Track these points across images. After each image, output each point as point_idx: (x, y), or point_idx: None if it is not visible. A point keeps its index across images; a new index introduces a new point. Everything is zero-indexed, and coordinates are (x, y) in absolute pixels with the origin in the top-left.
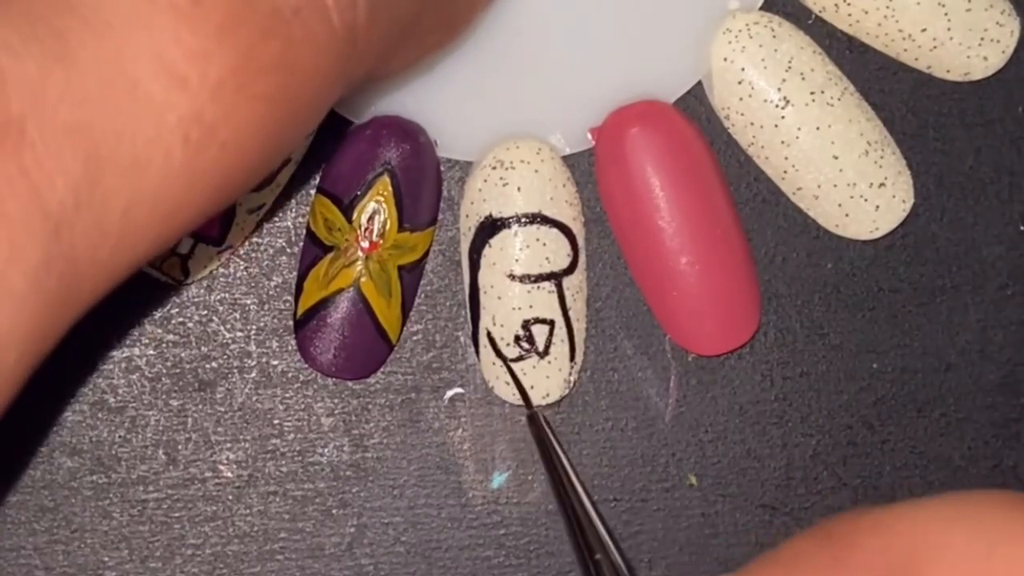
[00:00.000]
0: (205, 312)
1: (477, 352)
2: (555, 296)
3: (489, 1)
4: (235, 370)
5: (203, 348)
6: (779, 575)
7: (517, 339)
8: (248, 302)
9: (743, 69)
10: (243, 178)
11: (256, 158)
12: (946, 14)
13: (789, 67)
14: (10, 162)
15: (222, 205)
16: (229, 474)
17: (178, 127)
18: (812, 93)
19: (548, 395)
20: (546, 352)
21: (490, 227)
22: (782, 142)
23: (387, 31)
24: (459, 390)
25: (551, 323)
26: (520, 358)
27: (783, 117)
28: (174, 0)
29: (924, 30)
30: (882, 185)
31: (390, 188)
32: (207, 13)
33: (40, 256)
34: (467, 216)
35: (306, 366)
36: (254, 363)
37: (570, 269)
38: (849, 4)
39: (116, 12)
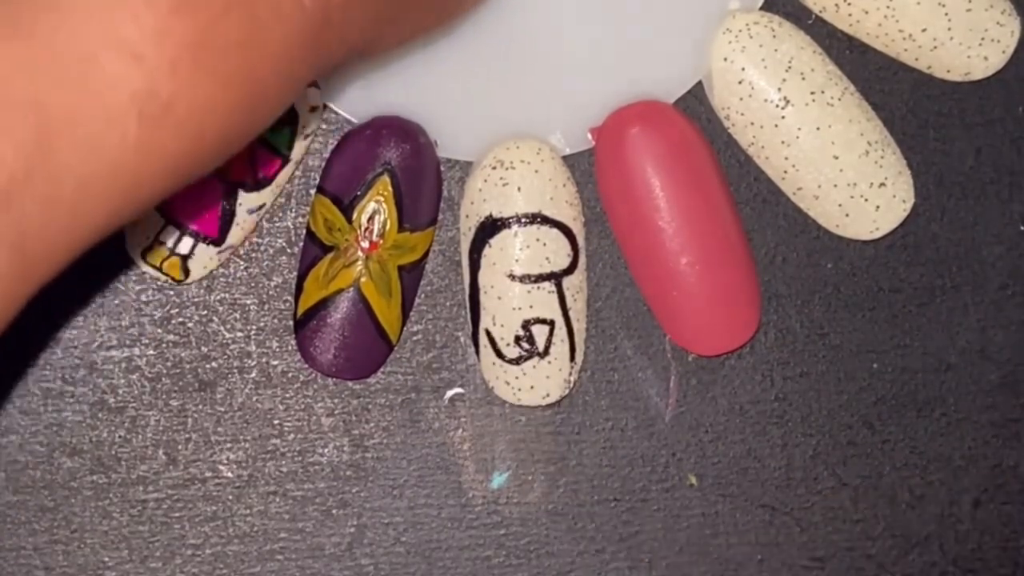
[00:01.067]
0: (205, 312)
1: (477, 352)
2: (555, 296)
3: None
4: (235, 370)
5: (203, 348)
6: None
7: (517, 339)
8: (248, 302)
9: (743, 69)
10: (205, 156)
11: (217, 136)
12: (946, 14)
13: (789, 67)
14: None
15: (184, 182)
16: (229, 474)
17: (132, 103)
18: (812, 93)
19: (548, 395)
20: (546, 352)
21: (490, 227)
22: (782, 142)
23: (367, 9)
24: (459, 390)
25: (551, 323)
26: (520, 358)
27: (783, 117)
28: None
29: (924, 30)
30: (882, 185)
31: (390, 188)
32: None
33: None
34: (467, 216)
35: (306, 366)
36: (254, 363)
37: (570, 269)
38: (849, 4)
39: None
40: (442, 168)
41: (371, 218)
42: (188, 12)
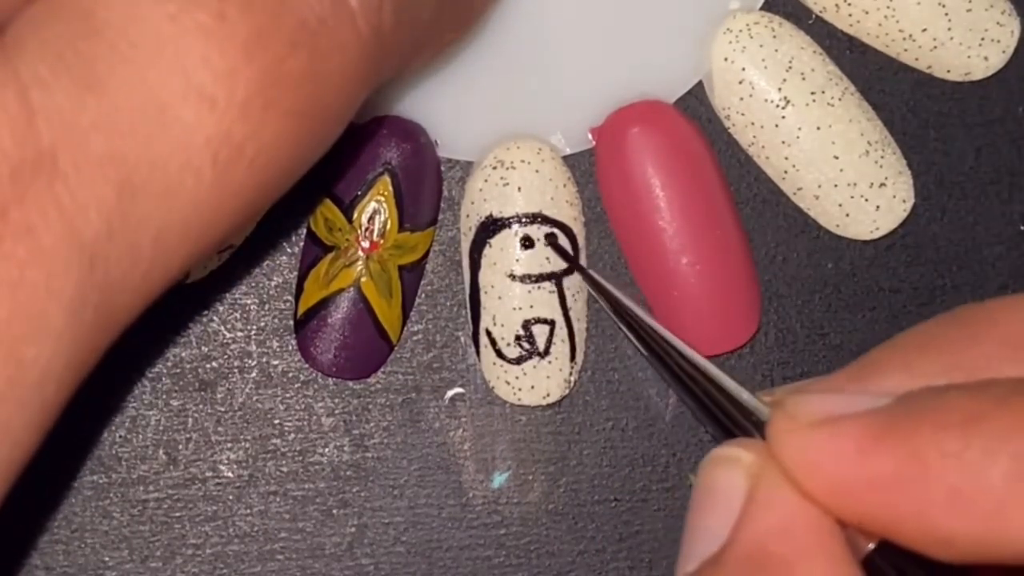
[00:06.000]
0: (205, 312)
1: (477, 352)
2: (555, 296)
3: None
4: (235, 370)
5: (203, 348)
6: (911, 360)
7: (518, 339)
8: (248, 302)
9: (744, 69)
10: (272, 191)
11: (285, 170)
12: (946, 14)
13: (790, 67)
14: (44, 196)
15: (253, 218)
16: (229, 474)
17: (207, 148)
18: (813, 93)
19: (548, 395)
20: (547, 352)
21: (491, 227)
22: (783, 142)
23: (410, 32)
24: (459, 390)
25: (551, 323)
26: (521, 358)
27: (783, 117)
28: (199, 19)
29: (924, 30)
30: (882, 185)
31: (390, 188)
32: (233, 30)
33: (76, 288)
34: (467, 216)
35: (306, 366)
36: (254, 363)
37: (570, 269)
38: (850, 4)
39: (141, 34)
40: (442, 168)
41: (371, 218)
42: (257, 52)
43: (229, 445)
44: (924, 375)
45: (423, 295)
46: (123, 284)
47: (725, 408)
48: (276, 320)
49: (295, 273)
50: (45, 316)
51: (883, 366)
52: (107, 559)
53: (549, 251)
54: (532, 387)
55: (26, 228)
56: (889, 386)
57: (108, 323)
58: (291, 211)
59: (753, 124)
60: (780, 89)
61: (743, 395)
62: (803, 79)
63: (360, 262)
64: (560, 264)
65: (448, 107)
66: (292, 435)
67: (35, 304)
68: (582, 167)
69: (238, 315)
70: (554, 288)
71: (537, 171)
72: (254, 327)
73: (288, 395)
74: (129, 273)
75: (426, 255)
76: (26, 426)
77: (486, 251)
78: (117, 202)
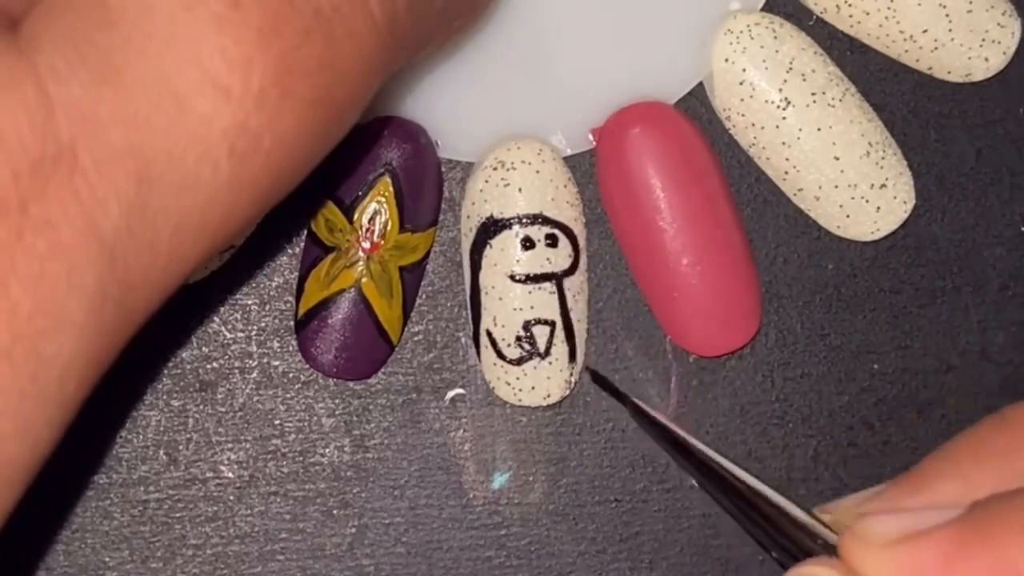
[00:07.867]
0: (206, 312)
1: (478, 353)
2: (556, 297)
3: None
4: (236, 370)
5: (204, 348)
6: (966, 470)
7: (518, 340)
8: (249, 302)
9: (744, 70)
10: (288, 181)
11: (300, 161)
12: (947, 15)
13: (790, 68)
14: (64, 190)
15: (268, 209)
16: (230, 474)
17: (223, 139)
18: (813, 94)
19: (549, 396)
20: (547, 353)
21: (491, 228)
22: (783, 143)
23: (424, 19)
24: (460, 391)
25: (552, 324)
26: (521, 359)
27: (784, 118)
28: (213, 7)
29: (925, 31)
30: (883, 186)
31: (391, 189)
32: (247, 18)
33: (96, 283)
34: (468, 217)
35: (307, 366)
36: (255, 363)
37: (571, 270)
38: (850, 5)
39: (156, 24)
40: (443, 169)
41: (372, 219)
42: (272, 41)
43: (230, 446)
44: (981, 483)
45: (424, 296)
46: (142, 278)
47: (785, 529)
48: (277, 321)
49: (296, 274)
50: (66, 311)
51: (938, 478)
52: (107, 559)
53: (549, 251)
54: (532, 388)
55: (46, 222)
56: (947, 497)
57: (127, 318)
58: (292, 212)
59: (754, 125)
60: (781, 90)
61: (802, 517)
62: (804, 80)
63: (361, 263)
64: (561, 264)
65: (449, 108)
66: (293, 436)
67: (56, 299)
68: (583, 168)
69: (239, 315)
70: (554, 289)
71: (538, 172)
72: (255, 327)
73: (289, 396)
74: (148, 267)
75: (427, 256)
76: (47, 423)
77: (487, 252)
78: (136, 195)
